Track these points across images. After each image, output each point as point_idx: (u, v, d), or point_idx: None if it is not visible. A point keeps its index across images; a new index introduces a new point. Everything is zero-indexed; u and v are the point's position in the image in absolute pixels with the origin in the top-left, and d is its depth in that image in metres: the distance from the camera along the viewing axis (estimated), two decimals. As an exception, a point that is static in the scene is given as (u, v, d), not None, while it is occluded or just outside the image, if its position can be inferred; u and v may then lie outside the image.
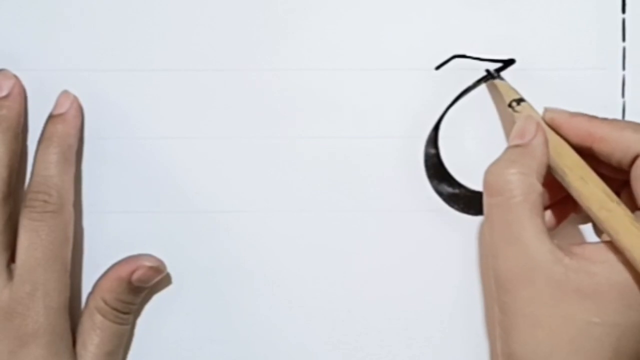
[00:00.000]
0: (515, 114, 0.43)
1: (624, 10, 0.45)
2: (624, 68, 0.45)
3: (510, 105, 0.43)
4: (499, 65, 0.45)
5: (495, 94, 0.45)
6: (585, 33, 0.45)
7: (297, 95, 0.45)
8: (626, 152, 0.40)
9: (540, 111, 0.42)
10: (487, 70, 0.45)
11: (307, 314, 0.45)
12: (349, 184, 0.45)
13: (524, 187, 0.39)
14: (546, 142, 0.40)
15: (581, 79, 0.45)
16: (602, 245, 0.39)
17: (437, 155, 0.45)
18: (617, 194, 0.40)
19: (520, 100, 0.43)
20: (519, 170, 0.39)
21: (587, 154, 0.41)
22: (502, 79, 0.45)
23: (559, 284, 0.38)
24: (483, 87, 0.45)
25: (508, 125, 0.45)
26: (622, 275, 0.38)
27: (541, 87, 0.44)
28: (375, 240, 0.45)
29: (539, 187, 0.39)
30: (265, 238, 0.45)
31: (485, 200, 0.40)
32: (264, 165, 0.45)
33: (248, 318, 0.45)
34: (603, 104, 0.42)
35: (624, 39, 0.45)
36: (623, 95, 0.45)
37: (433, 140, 0.45)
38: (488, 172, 0.40)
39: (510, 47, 0.45)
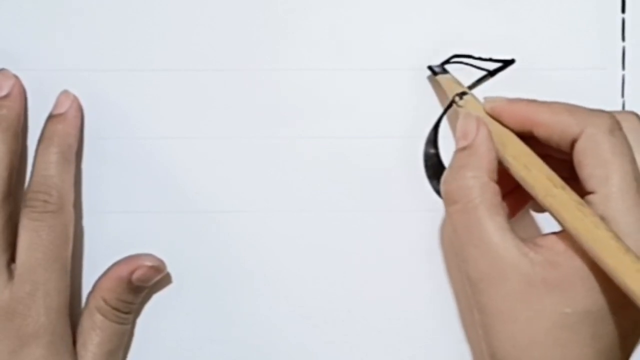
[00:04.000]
0: (460, 109, 0.43)
1: (624, 10, 0.45)
2: (624, 68, 0.45)
3: (453, 101, 0.43)
4: (498, 64, 0.45)
5: (490, 92, 0.45)
6: (585, 33, 0.45)
7: (297, 95, 0.45)
8: (563, 135, 0.39)
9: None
10: (430, 67, 0.45)
11: (307, 314, 0.45)
12: (349, 184, 0.45)
13: (478, 189, 0.39)
14: (490, 137, 0.41)
15: (581, 79, 0.45)
16: (563, 234, 0.39)
17: (437, 155, 0.45)
18: (572, 176, 0.39)
19: (462, 94, 0.43)
20: (471, 173, 0.40)
21: (531, 138, 0.41)
22: (446, 72, 0.45)
23: (527, 279, 0.38)
24: (483, 86, 0.45)
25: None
26: (580, 261, 0.38)
27: (541, 87, 0.44)
28: (375, 240, 0.45)
29: (493, 186, 0.40)
30: (265, 238, 0.45)
31: (446, 208, 0.41)
32: (264, 165, 0.45)
33: (248, 318, 0.45)
34: (603, 104, 0.42)
35: (624, 39, 0.45)
36: (623, 95, 0.45)
37: (433, 140, 0.45)
38: (443, 182, 0.41)
39: (510, 47, 0.45)
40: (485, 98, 0.42)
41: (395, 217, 0.45)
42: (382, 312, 0.45)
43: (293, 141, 0.45)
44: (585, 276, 0.37)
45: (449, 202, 0.40)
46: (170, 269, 0.45)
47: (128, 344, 0.45)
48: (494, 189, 0.40)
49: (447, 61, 0.45)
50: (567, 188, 0.38)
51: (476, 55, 0.45)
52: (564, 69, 0.45)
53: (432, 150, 0.45)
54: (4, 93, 0.44)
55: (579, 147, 0.39)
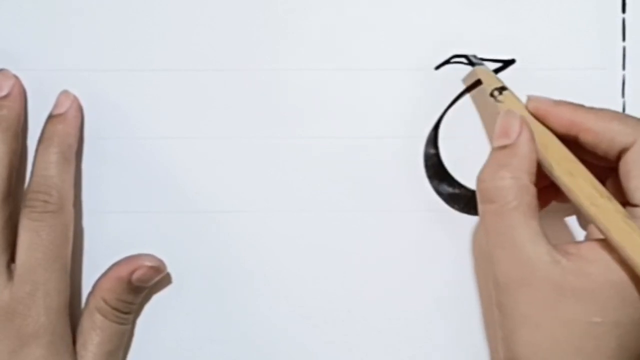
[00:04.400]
0: (498, 104, 0.42)
1: (624, 10, 0.45)
2: (624, 68, 0.45)
3: (492, 95, 0.42)
4: (498, 64, 0.45)
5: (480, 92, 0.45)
6: (585, 33, 0.45)
7: (297, 95, 0.45)
8: (612, 144, 0.39)
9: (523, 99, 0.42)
10: (466, 56, 0.44)
11: (307, 314, 0.45)
12: (349, 184, 0.45)
13: (517, 191, 0.38)
14: (533, 138, 0.40)
15: (581, 79, 0.45)
16: (596, 244, 0.38)
17: (437, 155, 0.45)
18: (603, 181, 0.39)
19: (502, 89, 0.42)
20: (510, 174, 0.39)
21: (571, 141, 0.40)
22: (482, 64, 0.44)
23: (557, 286, 0.37)
24: (483, 86, 0.45)
25: (491, 119, 0.44)
26: (618, 273, 0.37)
27: (541, 87, 0.44)
28: (375, 241, 0.45)
29: (532, 189, 0.39)
30: (265, 238, 0.45)
31: (480, 207, 0.40)
32: (264, 165, 0.45)
33: (248, 318, 0.45)
34: (603, 104, 0.42)
35: (624, 39, 0.45)
36: (623, 95, 0.45)
37: (433, 140, 0.45)
38: (480, 180, 0.40)
39: (510, 47, 0.45)
40: (528, 97, 0.42)
41: (395, 217, 0.45)
42: (382, 312, 0.45)
43: (293, 141, 0.45)
44: (619, 287, 0.37)
45: (484, 201, 0.39)
46: (170, 269, 0.45)
47: (128, 344, 0.45)
48: (533, 192, 0.39)
49: (447, 61, 0.45)
50: (613, 199, 0.38)
51: (476, 55, 0.45)
52: (564, 69, 0.45)
53: (432, 150, 0.45)
54: (4, 93, 0.44)
55: (628, 158, 0.39)
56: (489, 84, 0.43)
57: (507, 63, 0.45)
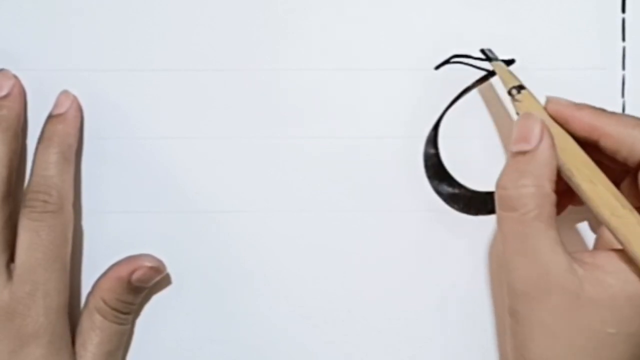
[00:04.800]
0: (516, 104, 0.41)
1: (624, 10, 0.45)
2: (624, 68, 0.45)
3: (510, 93, 0.41)
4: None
5: (489, 91, 0.45)
6: (585, 33, 0.45)
7: (297, 95, 0.45)
8: (633, 151, 0.39)
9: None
10: (483, 51, 0.44)
11: (307, 314, 0.45)
12: (349, 184, 0.45)
13: (538, 200, 0.38)
14: (554, 144, 0.39)
15: (581, 79, 0.45)
16: (614, 254, 0.38)
17: (437, 155, 0.45)
18: (617, 183, 0.39)
19: (520, 88, 0.41)
20: (532, 182, 0.38)
21: (590, 145, 0.40)
22: (498, 59, 0.44)
23: (574, 296, 0.37)
24: (483, 86, 0.45)
25: (503, 117, 0.44)
26: (635, 285, 0.37)
27: (541, 87, 0.44)
28: (375, 240, 0.45)
29: (553, 197, 0.38)
30: (265, 238, 0.45)
31: (499, 213, 0.39)
32: (264, 165, 0.45)
33: (248, 318, 0.45)
34: (603, 104, 0.42)
35: (624, 39, 0.45)
36: (623, 95, 0.45)
37: (433, 140, 0.45)
38: (500, 187, 0.39)
39: (510, 47, 0.45)
40: (548, 98, 0.41)
41: (395, 217, 0.45)
42: (382, 312, 0.45)
43: (293, 141, 0.45)
44: (635, 299, 0.37)
45: (504, 208, 0.39)
46: (170, 269, 0.45)
47: (128, 344, 0.45)
48: (553, 200, 0.38)
49: (447, 61, 0.45)
50: (634, 211, 0.38)
51: (476, 55, 0.45)
52: (564, 69, 0.45)
53: (432, 150, 0.45)
54: (4, 93, 0.44)
55: None
56: (507, 82, 0.42)
57: (507, 63, 0.45)
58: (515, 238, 0.38)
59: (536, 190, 0.38)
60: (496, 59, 0.44)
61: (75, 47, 0.45)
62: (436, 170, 0.45)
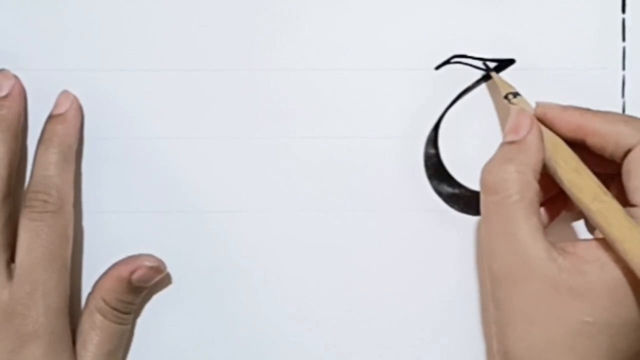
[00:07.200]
0: (511, 106, 0.42)
1: (624, 10, 0.45)
2: (624, 68, 0.45)
3: (506, 97, 0.43)
4: (497, 64, 0.45)
5: (495, 92, 0.45)
6: (585, 33, 0.45)
7: (297, 95, 0.45)
8: (618, 145, 0.40)
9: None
10: (484, 63, 0.45)
11: (306, 313, 0.45)
12: (349, 184, 0.45)
13: (520, 185, 0.39)
14: (541, 136, 0.40)
15: (581, 79, 0.45)
16: (594, 243, 0.39)
17: (437, 155, 0.45)
18: (606, 187, 0.39)
19: (516, 94, 0.43)
20: (516, 168, 0.39)
21: (578, 147, 0.41)
22: (497, 73, 0.45)
23: (552, 283, 0.38)
24: (483, 86, 0.45)
25: (503, 117, 0.45)
26: (613, 272, 0.37)
27: (541, 87, 0.44)
28: (375, 241, 0.45)
29: (535, 185, 0.39)
30: (265, 238, 0.45)
31: (482, 197, 0.40)
32: (264, 165, 0.45)
33: (248, 318, 0.45)
34: (603, 104, 0.42)
35: (624, 39, 0.45)
36: (623, 95, 0.45)
37: (433, 140, 0.45)
38: (485, 171, 0.40)
39: (510, 47, 0.45)
40: (537, 103, 0.42)
41: (395, 217, 0.45)
42: (382, 312, 0.45)
43: (293, 141, 0.45)
44: (613, 288, 0.37)
45: (487, 192, 0.40)
46: (170, 269, 0.45)
47: (128, 344, 0.45)
48: (536, 188, 0.39)
49: (447, 61, 0.45)
50: (615, 200, 0.38)
51: (476, 55, 0.45)
52: (564, 69, 0.45)
53: (432, 150, 0.45)
54: (4, 93, 0.44)
55: (630, 157, 0.39)
56: (504, 89, 0.43)
57: (507, 63, 0.45)
58: (495, 222, 0.39)
59: (519, 176, 0.39)
60: (495, 71, 0.44)
61: (75, 47, 0.45)
62: (436, 170, 0.45)
